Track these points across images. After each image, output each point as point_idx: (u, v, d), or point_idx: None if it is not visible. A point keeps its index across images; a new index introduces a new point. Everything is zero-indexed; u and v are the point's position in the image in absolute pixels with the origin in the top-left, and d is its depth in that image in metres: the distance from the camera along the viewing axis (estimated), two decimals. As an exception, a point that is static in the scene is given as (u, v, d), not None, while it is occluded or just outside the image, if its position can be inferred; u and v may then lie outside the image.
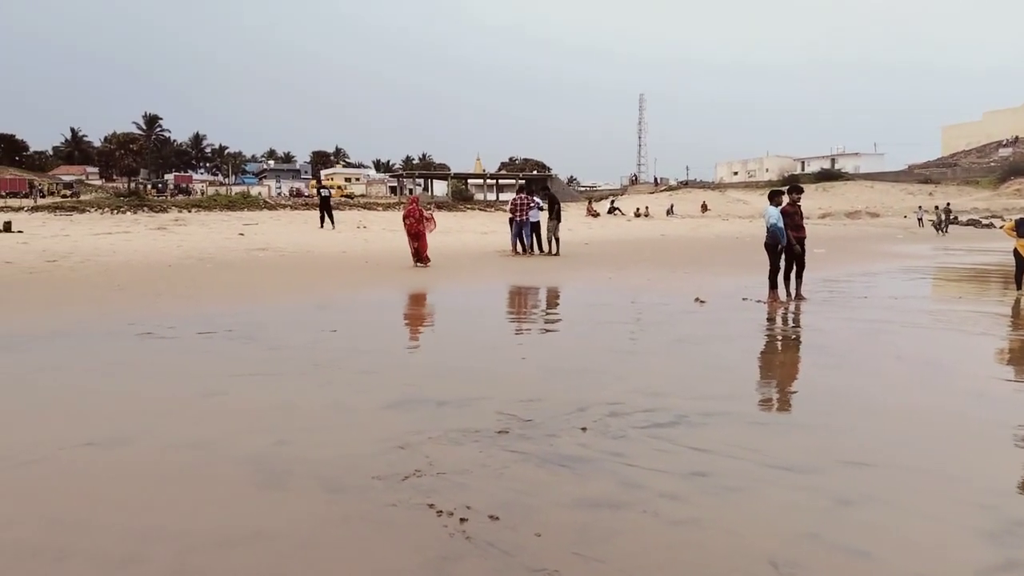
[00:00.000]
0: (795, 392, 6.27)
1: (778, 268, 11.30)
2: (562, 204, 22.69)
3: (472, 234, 26.19)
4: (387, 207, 44.57)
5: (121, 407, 5.29)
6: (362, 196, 62.65)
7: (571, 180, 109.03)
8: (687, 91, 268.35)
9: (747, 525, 3.44)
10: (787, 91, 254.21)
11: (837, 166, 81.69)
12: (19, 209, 33.32)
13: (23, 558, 3.05)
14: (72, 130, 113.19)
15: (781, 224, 11.20)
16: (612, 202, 54.60)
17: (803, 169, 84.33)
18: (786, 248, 11.28)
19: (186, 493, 3.74)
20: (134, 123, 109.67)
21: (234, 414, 5.14)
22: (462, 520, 3.42)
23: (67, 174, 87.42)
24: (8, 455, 4.24)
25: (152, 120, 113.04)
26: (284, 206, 43.52)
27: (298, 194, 67.30)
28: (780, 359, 7.74)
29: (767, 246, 11.45)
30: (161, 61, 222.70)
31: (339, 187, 67.07)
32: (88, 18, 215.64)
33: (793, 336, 8.93)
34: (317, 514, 3.50)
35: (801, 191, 12.01)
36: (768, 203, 11.57)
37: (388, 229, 26.54)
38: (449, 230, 25.41)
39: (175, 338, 7.81)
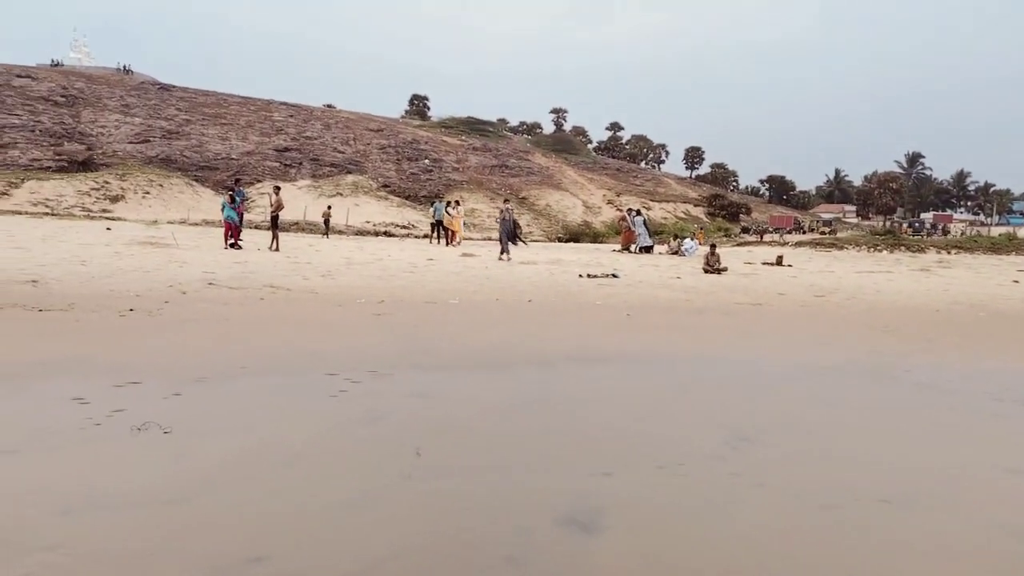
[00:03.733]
0: None
1: None
2: None
3: None
4: None
5: (909, 466, 5.05)
6: None
7: None
8: None
9: None
10: None
11: None
12: (784, 244, 37.19)
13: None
14: (836, 171, 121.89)
15: None
16: None
17: None
18: None
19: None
20: (895, 162, 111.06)
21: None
22: None
23: (826, 212, 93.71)
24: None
25: (914, 159, 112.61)
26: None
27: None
28: None
29: None
30: (921, 104, 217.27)
31: None
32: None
33: None
34: None
35: None
36: None
37: None
38: None
39: (958, 392, 7.22)
